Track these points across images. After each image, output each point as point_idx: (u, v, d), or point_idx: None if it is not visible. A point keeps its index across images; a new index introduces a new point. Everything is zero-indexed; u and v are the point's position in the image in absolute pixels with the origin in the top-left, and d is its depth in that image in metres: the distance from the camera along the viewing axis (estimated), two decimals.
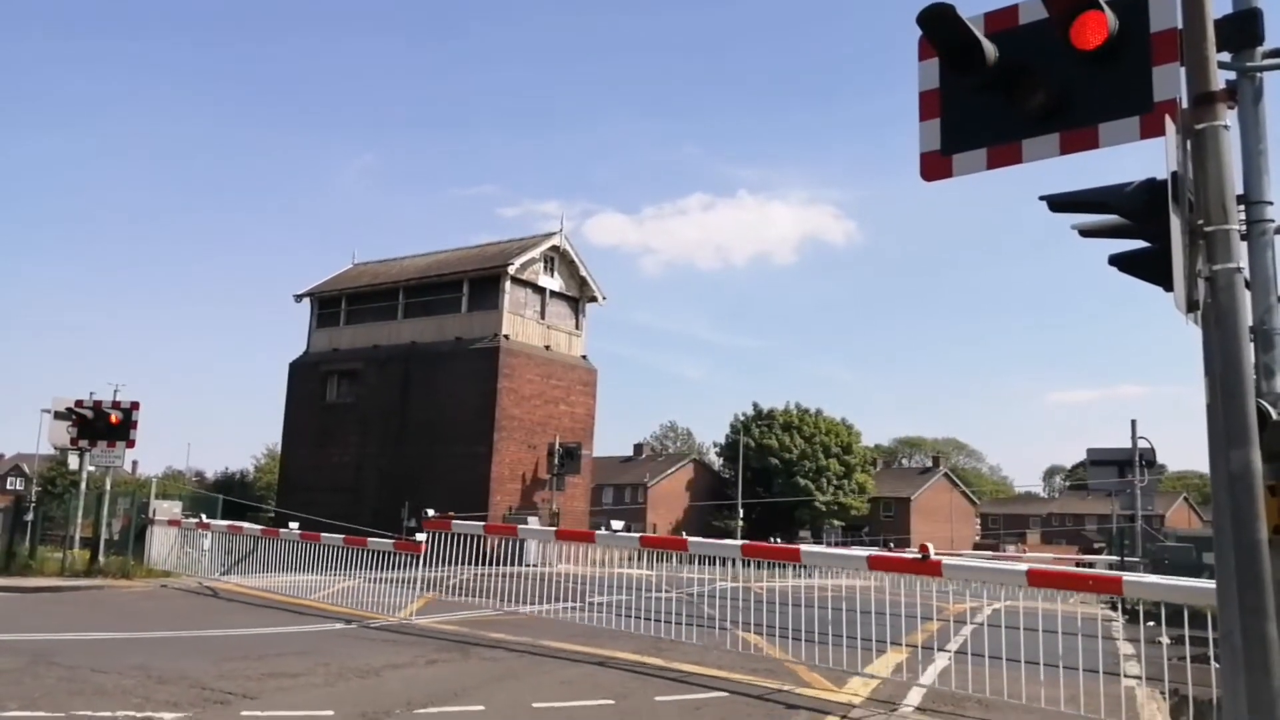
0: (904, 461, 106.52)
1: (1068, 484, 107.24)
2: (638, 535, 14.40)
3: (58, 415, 21.30)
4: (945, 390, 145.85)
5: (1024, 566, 9.73)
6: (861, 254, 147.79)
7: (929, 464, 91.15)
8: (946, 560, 10.10)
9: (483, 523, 16.74)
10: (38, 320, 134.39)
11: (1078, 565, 33.73)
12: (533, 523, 32.06)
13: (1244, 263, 4.17)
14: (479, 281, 36.71)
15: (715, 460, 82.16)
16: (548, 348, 37.60)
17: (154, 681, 8.93)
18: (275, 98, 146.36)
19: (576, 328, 39.54)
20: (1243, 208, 4.46)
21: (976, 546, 69.26)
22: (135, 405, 21.45)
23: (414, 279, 38.77)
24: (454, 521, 15.82)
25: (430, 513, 16.00)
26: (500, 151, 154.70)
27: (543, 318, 37.76)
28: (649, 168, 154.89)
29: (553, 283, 38.34)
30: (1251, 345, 4.25)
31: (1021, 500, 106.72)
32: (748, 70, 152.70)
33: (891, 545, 38.48)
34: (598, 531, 14.39)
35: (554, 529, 19.33)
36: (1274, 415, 4.17)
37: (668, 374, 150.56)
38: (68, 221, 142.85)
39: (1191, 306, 3.85)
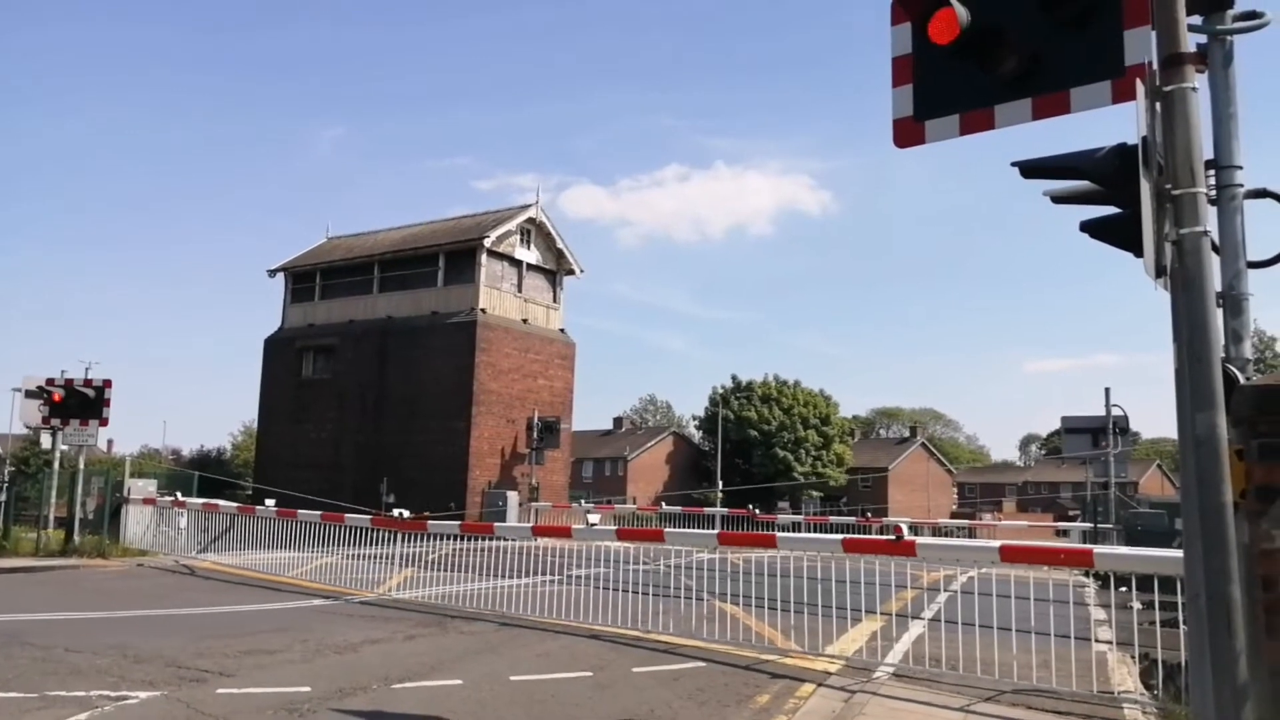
0: (882, 432, 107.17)
1: (1043, 452, 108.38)
2: (614, 529, 14.49)
3: (29, 394, 21.04)
4: (922, 360, 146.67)
5: (996, 544, 9.83)
6: (837, 224, 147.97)
7: (906, 434, 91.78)
8: (920, 541, 10.22)
9: (459, 521, 16.75)
10: (9, 299, 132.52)
11: (1056, 534, 34.15)
12: (512, 498, 32.09)
13: (1213, 227, 4.16)
14: (454, 255, 36.43)
15: (695, 433, 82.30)
16: (525, 321, 37.44)
17: (130, 661, 8.88)
18: (243, 70, 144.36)
19: (554, 301, 39.37)
20: (1213, 173, 4.45)
21: (954, 515, 69.86)
22: (107, 383, 21.23)
23: (389, 252, 38.45)
24: (430, 522, 15.82)
25: (406, 513, 15.94)
26: (474, 123, 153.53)
27: (520, 291, 37.57)
28: (625, 139, 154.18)
29: (529, 255, 38.13)
30: (1221, 311, 4.26)
31: (998, 469, 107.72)
32: (723, 40, 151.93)
33: (869, 515, 38.76)
34: (574, 527, 14.53)
35: (531, 525, 19.39)
36: (1242, 380, 4.18)
37: (646, 347, 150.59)
38: (37, 200, 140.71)
39: (1161, 272, 3.84)
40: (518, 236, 37.55)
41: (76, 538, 20.31)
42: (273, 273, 41.14)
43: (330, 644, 10.07)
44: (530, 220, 38.03)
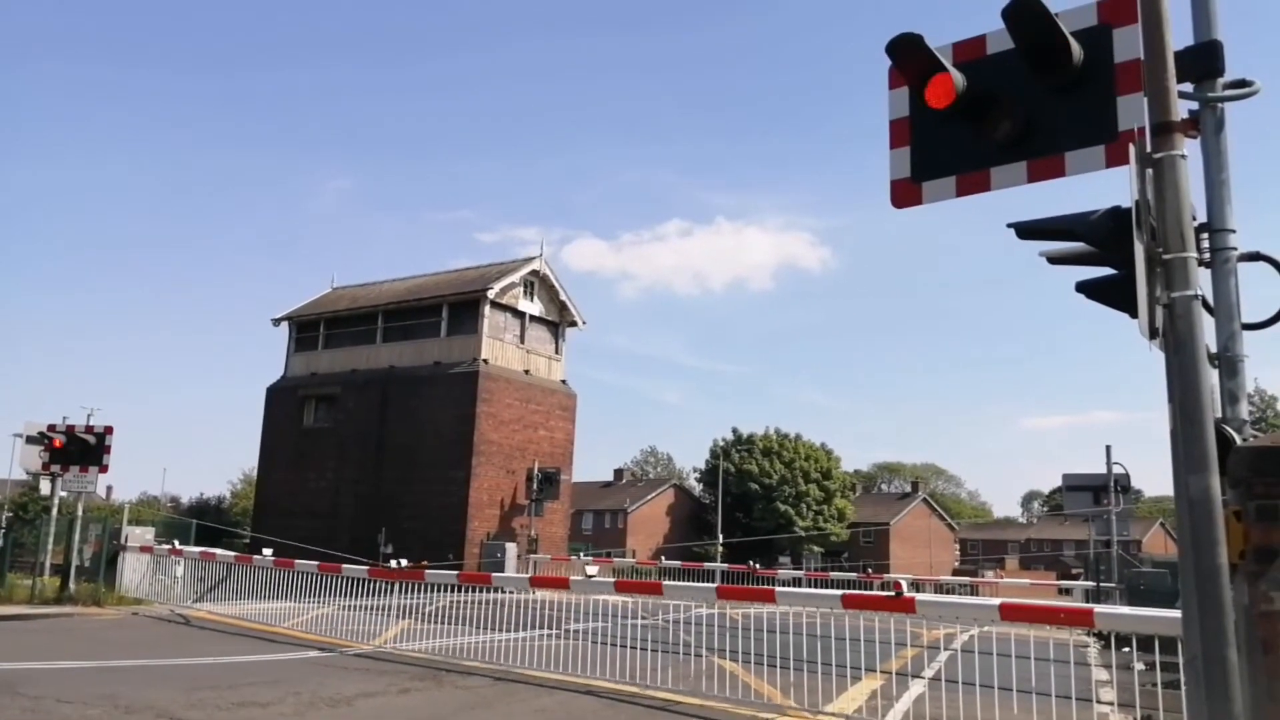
0: (883, 487, 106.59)
1: (1045, 509, 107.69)
2: (613, 581, 14.38)
3: (29, 439, 21.05)
4: (922, 415, 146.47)
5: (996, 601, 9.78)
6: (836, 281, 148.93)
7: (908, 489, 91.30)
8: (919, 597, 10.17)
9: (457, 571, 16.66)
10: (11, 344, 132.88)
11: (1058, 593, 33.83)
12: (510, 550, 31.85)
13: (1206, 290, 4.21)
14: (458, 305, 36.63)
15: (695, 485, 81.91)
16: (527, 372, 37.49)
17: (121, 711, 8.79)
18: (251, 121, 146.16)
19: (556, 352, 39.47)
20: (1206, 236, 4.51)
21: (955, 572, 69.13)
22: (109, 429, 21.22)
23: (393, 303, 38.66)
24: (427, 571, 15.73)
25: (403, 562, 15.85)
26: (478, 177, 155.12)
27: (522, 342, 37.68)
28: (627, 194, 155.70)
29: (532, 307, 38.31)
30: (1217, 372, 4.29)
31: (999, 525, 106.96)
32: (724, 96, 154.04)
33: (870, 570, 38.46)
34: (572, 578, 14.44)
35: (529, 577, 19.28)
36: (1238, 440, 4.19)
37: (648, 399, 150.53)
38: (39, 245, 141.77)
39: (1155, 333, 3.88)
40: (521, 288, 37.77)
41: (72, 585, 20.17)
42: (277, 321, 41.31)
43: (323, 697, 9.96)
44: (534, 272, 38.28)
